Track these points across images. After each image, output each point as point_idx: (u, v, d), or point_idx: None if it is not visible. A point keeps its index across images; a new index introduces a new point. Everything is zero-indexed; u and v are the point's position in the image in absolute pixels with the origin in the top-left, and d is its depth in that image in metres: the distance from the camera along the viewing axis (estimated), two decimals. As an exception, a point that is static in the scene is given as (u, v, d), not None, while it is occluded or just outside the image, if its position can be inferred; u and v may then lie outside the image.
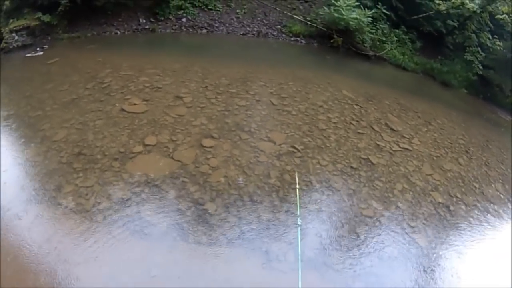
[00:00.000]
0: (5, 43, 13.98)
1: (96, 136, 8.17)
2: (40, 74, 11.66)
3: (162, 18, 16.35)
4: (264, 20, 17.64)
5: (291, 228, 6.45)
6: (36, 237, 5.84)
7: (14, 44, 14.07)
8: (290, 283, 5.36)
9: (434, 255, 6.70)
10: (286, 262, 5.87)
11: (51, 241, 5.77)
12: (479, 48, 18.92)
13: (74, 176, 7.06)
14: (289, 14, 18.11)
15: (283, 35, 17.05)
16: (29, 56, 13.35)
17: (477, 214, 8.20)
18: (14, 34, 14.22)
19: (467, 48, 18.84)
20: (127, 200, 6.62)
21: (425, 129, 11.01)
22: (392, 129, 10.09)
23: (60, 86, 10.32)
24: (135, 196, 6.71)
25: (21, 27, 14.40)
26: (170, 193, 6.87)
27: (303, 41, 16.91)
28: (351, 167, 8.23)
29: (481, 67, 18.21)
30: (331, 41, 16.40)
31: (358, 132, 9.55)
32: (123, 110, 9.13)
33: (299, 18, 17.89)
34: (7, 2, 15.03)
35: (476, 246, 7.30)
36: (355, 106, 10.85)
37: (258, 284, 5.58)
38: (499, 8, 18.74)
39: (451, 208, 7.95)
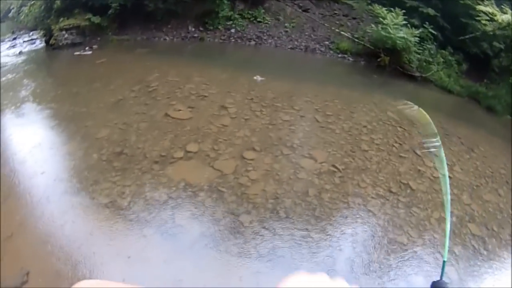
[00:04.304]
0: (55, 39, 14.51)
1: (138, 138, 8.43)
2: (87, 73, 12.10)
3: (211, 28, 16.62)
4: (312, 35, 17.70)
5: (323, 248, 6.45)
6: (67, 227, 6.07)
7: (63, 42, 14.62)
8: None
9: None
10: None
11: (81, 233, 5.99)
12: (525, 72, 18.10)
13: (113, 174, 7.30)
14: (337, 30, 18.10)
15: (331, 52, 17.12)
16: (78, 55, 13.82)
17: (512, 251, 7.97)
18: (64, 32, 14.73)
19: (513, 71, 18.11)
20: (163, 203, 6.76)
21: (467, 156, 10.76)
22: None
23: (107, 86, 10.68)
24: (172, 200, 6.85)
25: (71, 26, 14.91)
26: (206, 201, 6.94)
27: (350, 59, 16.89)
28: (390, 191, 8.12)
29: (526, 92, 17.36)
30: (378, 60, 16.26)
31: (400, 156, 9.43)
32: (167, 115, 9.35)
33: (346, 35, 17.85)
34: (57, 1, 15.57)
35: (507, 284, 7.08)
36: (399, 129, 10.73)
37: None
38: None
39: (487, 241, 7.68)
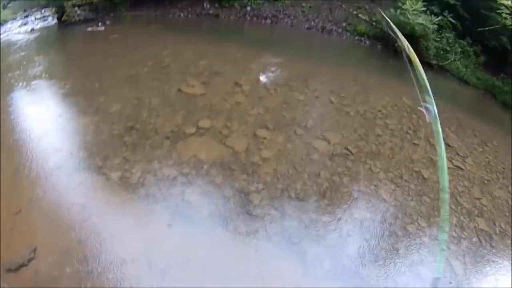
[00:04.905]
0: (67, 16, 14.38)
1: (150, 114, 8.40)
2: (100, 49, 12.08)
3: (227, 5, 16.44)
4: (329, 16, 17.42)
5: (331, 232, 6.39)
6: (76, 203, 6.04)
7: (76, 18, 14.52)
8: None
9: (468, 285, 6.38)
10: (321, 267, 5.78)
11: (90, 209, 5.97)
12: (542, 69, 17.53)
13: (123, 149, 7.31)
14: (355, 12, 17.83)
15: (347, 34, 16.82)
16: (91, 31, 13.75)
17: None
18: (76, 9, 14.62)
19: (530, 67, 17.53)
20: (173, 179, 6.74)
21: (481, 149, 10.54)
22: (448, 145, 9.71)
23: (120, 62, 10.66)
24: (182, 176, 6.83)
25: (83, 2, 14.82)
26: (217, 179, 6.92)
27: (367, 42, 16.63)
28: (402, 178, 8.02)
29: (543, 90, 16.77)
30: (395, 45, 16.00)
31: (414, 143, 9.29)
32: (180, 91, 9.33)
33: (364, 18, 17.59)
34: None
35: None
36: (413, 115, 10.47)
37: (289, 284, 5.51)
38: None
39: (494, 238, 7.50)
